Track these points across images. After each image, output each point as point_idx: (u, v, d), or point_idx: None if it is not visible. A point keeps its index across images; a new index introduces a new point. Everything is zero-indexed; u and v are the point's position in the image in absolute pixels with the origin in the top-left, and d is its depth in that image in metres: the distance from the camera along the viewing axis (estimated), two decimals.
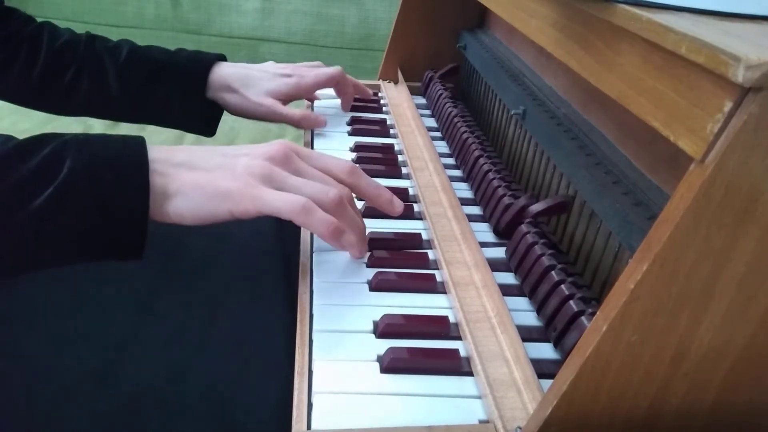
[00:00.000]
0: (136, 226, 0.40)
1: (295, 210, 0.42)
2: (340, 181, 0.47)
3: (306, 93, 0.75)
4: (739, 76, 0.25)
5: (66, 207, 0.38)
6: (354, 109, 0.82)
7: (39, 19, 0.71)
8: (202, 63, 0.70)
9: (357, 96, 0.83)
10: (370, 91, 0.84)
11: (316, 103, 0.82)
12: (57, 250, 0.39)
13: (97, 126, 1.25)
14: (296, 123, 0.72)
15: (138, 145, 0.42)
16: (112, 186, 0.39)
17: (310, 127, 0.73)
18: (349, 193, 0.48)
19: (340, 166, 0.48)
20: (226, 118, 0.74)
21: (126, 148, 0.41)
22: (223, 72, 0.70)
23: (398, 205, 0.52)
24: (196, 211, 0.42)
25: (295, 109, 0.72)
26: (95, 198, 0.39)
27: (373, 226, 0.54)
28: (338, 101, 0.82)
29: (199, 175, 0.42)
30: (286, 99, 0.72)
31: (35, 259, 0.40)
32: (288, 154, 0.45)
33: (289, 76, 0.72)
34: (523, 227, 0.50)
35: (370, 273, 0.48)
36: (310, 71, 0.74)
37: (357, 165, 0.49)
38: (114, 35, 0.72)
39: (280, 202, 0.42)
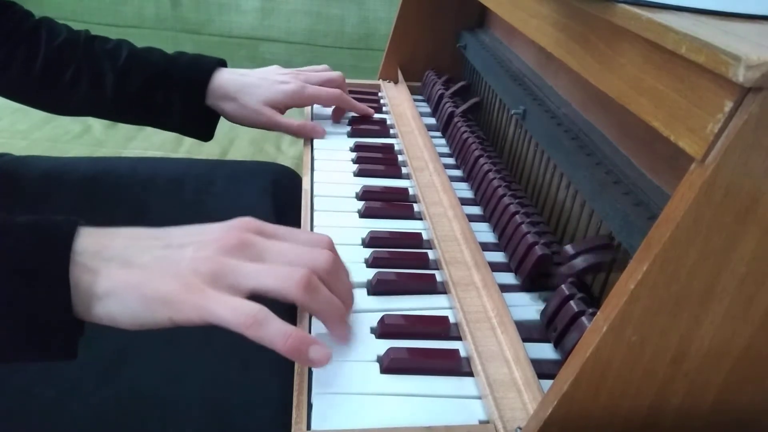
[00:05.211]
0: (61, 330, 0.35)
1: (245, 323, 0.35)
2: (315, 272, 0.38)
3: (303, 104, 0.74)
4: (740, 75, 0.25)
5: None
6: None
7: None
8: (201, 70, 0.69)
9: (356, 116, 0.78)
10: (372, 111, 0.79)
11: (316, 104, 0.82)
12: None
13: (96, 125, 1.25)
14: (294, 132, 0.72)
15: (63, 235, 0.35)
16: (26, 290, 0.34)
17: (308, 137, 0.72)
18: (326, 258, 0.39)
19: (316, 255, 0.39)
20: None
21: (46, 242, 0.35)
22: (222, 79, 0.69)
23: (346, 335, 0.42)
24: (131, 317, 0.36)
25: (293, 120, 0.71)
26: (7, 304, 0.34)
27: (373, 225, 0.54)
28: None
29: (133, 274, 0.36)
30: (283, 107, 0.71)
31: None
32: (245, 239, 0.38)
33: (287, 83, 0.70)
34: (523, 227, 0.50)
35: (370, 273, 0.48)
36: (311, 79, 0.72)
37: (335, 253, 0.41)
38: (114, 35, 0.72)
39: (226, 312, 0.35)
